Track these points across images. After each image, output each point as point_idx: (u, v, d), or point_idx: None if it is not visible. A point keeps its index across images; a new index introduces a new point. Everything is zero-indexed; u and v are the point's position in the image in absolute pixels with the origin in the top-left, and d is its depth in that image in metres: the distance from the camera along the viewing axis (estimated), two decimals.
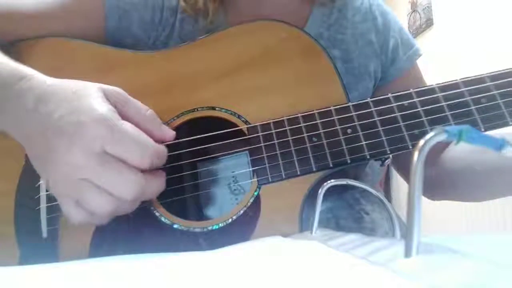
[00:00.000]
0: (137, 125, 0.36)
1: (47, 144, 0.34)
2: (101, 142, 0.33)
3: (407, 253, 0.17)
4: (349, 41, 0.56)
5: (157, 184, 0.37)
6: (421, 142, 0.17)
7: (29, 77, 0.37)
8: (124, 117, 0.36)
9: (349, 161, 0.39)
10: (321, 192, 0.32)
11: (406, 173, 0.64)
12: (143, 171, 0.35)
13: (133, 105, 0.38)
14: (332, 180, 0.32)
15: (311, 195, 0.39)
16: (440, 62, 1.90)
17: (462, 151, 0.55)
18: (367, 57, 0.56)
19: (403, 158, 0.61)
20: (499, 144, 0.19)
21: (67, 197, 0.35)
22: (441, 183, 0.56)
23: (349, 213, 0.49)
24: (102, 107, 0.34)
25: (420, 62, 0.62)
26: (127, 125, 0.34)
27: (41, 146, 0.35)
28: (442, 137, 0.18)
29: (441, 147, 0.57)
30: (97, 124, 0.33)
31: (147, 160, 0.34)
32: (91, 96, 0.35)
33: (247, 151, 0.42)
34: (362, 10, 0.58)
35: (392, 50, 0.59)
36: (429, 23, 2.23)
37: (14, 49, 0.47)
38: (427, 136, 0.17)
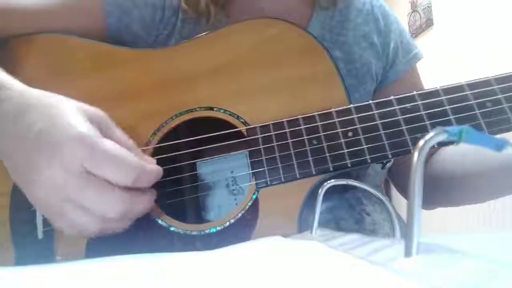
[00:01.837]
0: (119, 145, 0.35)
1: (27, 159, 0.34)
2: (81, 161, 0.32)
3: (407, 253, 0.17)
4: (351, 43, 0.55)
5: (145, 200, 0.36)
6: (421, 142, 0.17)
7: (8, 86, 0.37)
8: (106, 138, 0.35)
9: (349, 165, 0.39)
10: (321, 192, 0.32)
11: (402, 188, 0.64)
12: (130, 188, 0.34)
13: (116, 129, 0.38)
14: (332, 180, 0.32)
15: (311, 196, 0.39)
16: (440, 62, 1.90)
17: (446, 153, 0.55)
18: (370, 58, 0.56)
19: (399, 174, 0.61)
20: (499, 144, 0.19)
21: (54, 216, 0.35)
22: (431, 187, 0.55)
23: (350, 214, 0.49)
24: (82, 125, 0.34)
25: (420, 62, 0.62)
26: (108, 143, 0.34)
27: (21, 162, 0.34)
28: (442, 137, 0.18)
29: (428, 153, 0.56)
30: (77, 143, 0.33)
31: (130, 176, 0.33)
32: (72, 112, 0.35)
33: (246, 152, 0.42)
34: (364, 11, 0.58)
35: (392, 52, 0.58)
36: (429, 23, 2.23)
37: (9, 45, 0.46)
38: (427, 136, 0.17)
